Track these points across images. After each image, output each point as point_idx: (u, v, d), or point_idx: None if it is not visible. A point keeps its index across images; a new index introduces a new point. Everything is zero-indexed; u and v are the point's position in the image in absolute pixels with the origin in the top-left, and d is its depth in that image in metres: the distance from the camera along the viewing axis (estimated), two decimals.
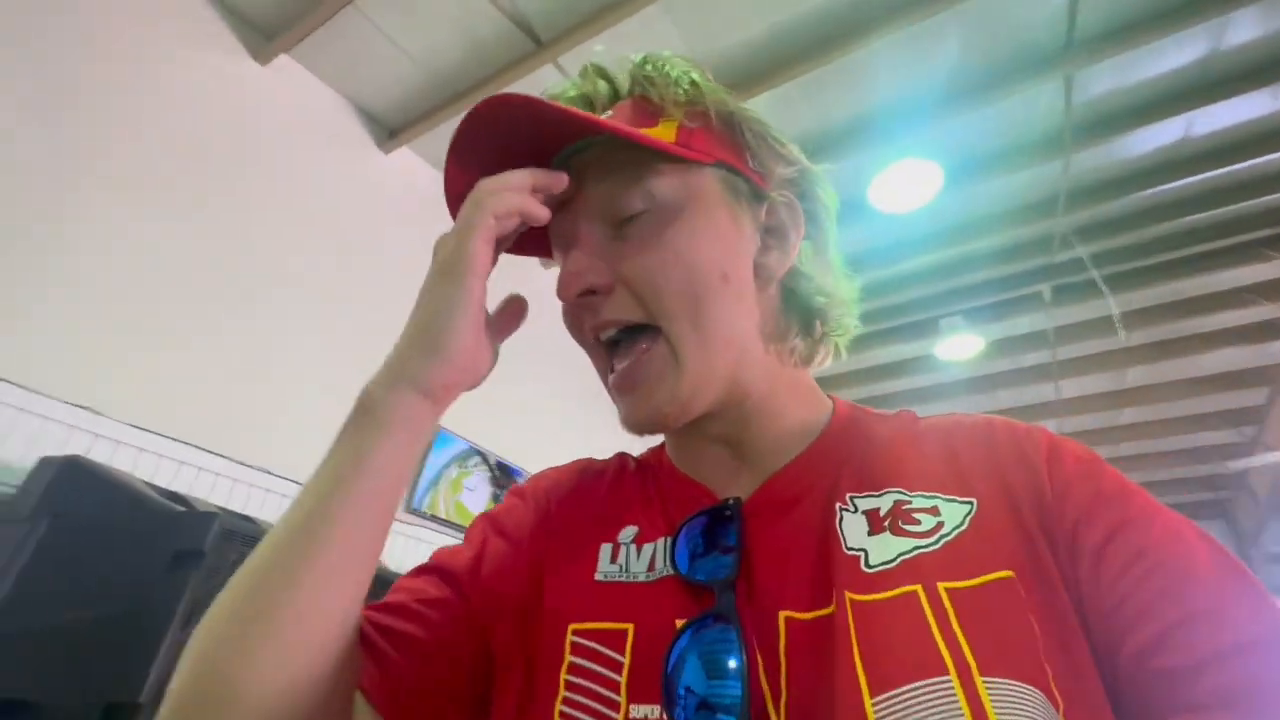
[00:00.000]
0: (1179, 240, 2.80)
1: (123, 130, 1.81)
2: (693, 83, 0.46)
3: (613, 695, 0.37)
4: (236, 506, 1.74)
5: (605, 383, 0.48)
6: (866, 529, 0.40)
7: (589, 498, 0.51)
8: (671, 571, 0.42)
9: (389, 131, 2.58)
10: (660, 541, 0.45)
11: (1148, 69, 2.14)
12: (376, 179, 2.52)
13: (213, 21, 2.12)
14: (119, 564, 1.17)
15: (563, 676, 0.39)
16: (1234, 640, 0.32)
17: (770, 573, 0.40)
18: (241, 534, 1.23)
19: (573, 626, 0.41)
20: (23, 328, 1.54)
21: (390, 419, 0.40)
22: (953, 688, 0.31)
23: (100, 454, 1.56)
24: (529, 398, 2.72)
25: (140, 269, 1.76)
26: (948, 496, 0.41)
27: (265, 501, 1.88)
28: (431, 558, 0.50)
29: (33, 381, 1.51)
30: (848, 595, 0.36)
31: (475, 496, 2.57)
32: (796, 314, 0.48)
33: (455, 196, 0.46)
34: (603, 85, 0.48)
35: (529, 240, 0.48)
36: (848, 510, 0.41)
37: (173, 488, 1.49)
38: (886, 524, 0.40)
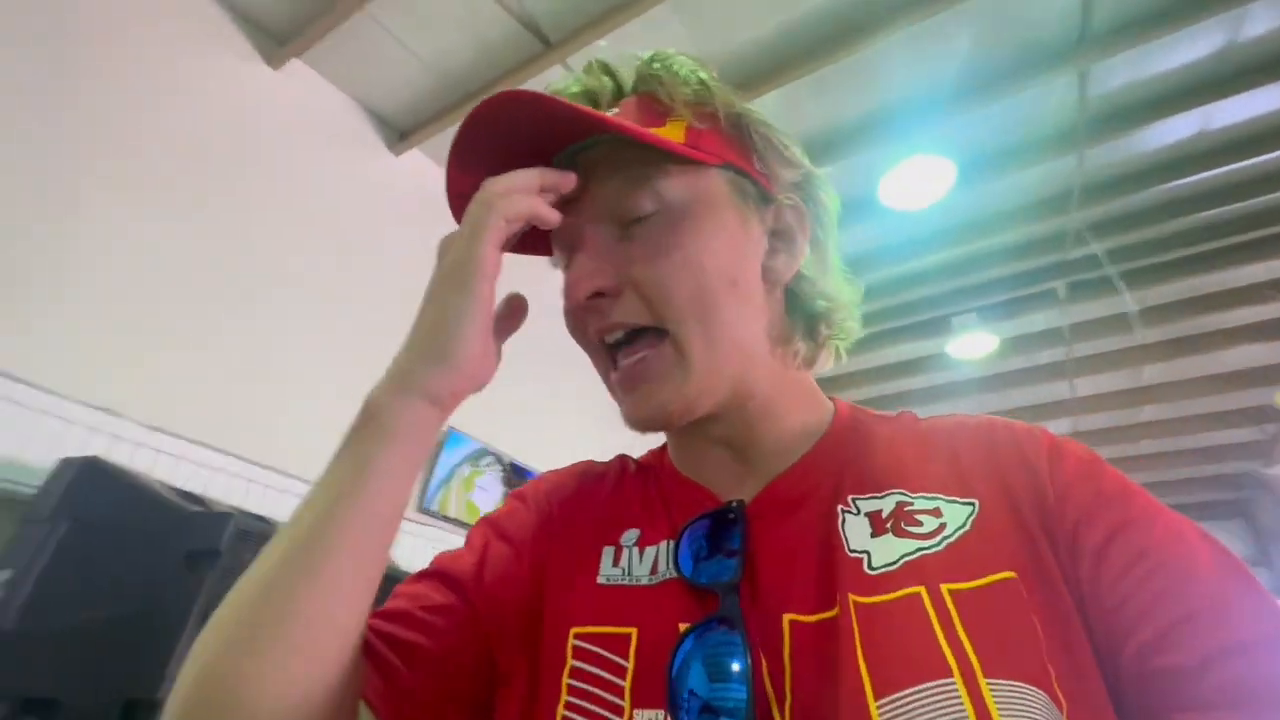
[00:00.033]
0: (1196, 235, 2.75)
1: (153, 138, 1.85)
2: (701, 82, 0.46)
3: (616, 700, 0.37)
4: (252, 507, 1.76)
5: (606, 382, 0.47)
6: (869, 531, 0.40)
7: (590, 500, 0.51)
8: (674, 574, 0.42)
9: (399, 133, 2.59)
10: (663, 544, 0.44)
11: (1163, 62, 2.11)
12: (388, 181, 2.54)
13: (226, 26, 2.15)
14: (136, 563, 1.19)
15: (565, 680, 0.39)
16: (1236, 639, 0.32)
17: (774, 575, 0.40)
18: (256, 534, 1.25)
19: (575, 630, 0.41)
20: (38, 328, 1.56)
21: (397, 427, 0.39)
22: (957, 689, 0.31)
23: (120, 455, 1.58)
24: (542, 398, 2.72)
25: (157, 270, 1.79)
26: (949, 498, 0.40)
27: (280, 502, 1.90)
28: (433, 562, 0.49)
29: (51, 383, 1.53)
30: (851, 597, 0.36)
31: (487, 496, 2.58)
32: (800, 317, 0.48)
33: (457, 195, 0.45)
34: (607, 81, 0.48)
35: (528, 238, 0.47)
36: (850, 512, 0.41)
37: (190, 488, 1.51)
38: (889, 525, 0.40)
